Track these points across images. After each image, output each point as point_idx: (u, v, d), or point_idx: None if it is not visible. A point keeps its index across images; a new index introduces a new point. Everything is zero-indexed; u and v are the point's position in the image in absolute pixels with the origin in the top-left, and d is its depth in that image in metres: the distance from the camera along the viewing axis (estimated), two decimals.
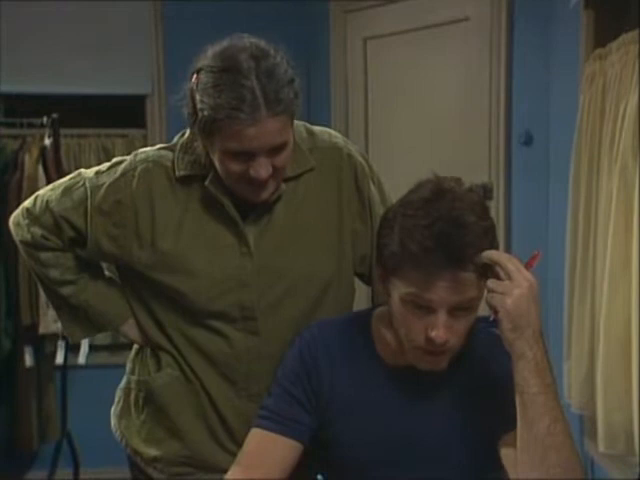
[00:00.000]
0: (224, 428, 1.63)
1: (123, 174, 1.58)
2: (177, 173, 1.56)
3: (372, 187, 1.67)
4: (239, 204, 1.54)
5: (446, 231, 1.26)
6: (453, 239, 1.26)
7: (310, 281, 1.60)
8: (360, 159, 1.67)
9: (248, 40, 1.42)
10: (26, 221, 1.64)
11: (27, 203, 1.66)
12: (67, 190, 1.62)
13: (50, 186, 1.67)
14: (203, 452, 1.64)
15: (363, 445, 1.44)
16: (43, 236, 1.62)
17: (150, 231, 1.56)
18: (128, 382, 1.72)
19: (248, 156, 1.41)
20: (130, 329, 1.68)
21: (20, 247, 1.68)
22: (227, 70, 1.37)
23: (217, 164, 1.47)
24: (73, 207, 1.60)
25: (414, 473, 1.42)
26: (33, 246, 1.64)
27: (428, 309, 1.30)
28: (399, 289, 1.32)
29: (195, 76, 1.42)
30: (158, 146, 1.65)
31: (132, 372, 1.71)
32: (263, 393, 1.55)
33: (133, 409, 1.69)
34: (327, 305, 1.61)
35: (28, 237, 1.64)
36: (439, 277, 1.27)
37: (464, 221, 1.27)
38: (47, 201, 1.62)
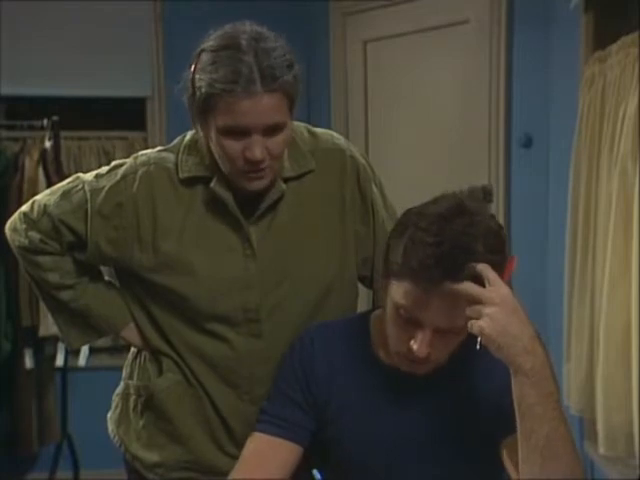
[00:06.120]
0: (226, 432, 1.63)
1: (124, 177, 1.58)
2: (180, 175, 1.55)
3: (374, 189, 1.67)
4: (242, 206, 1.53)
5: (450, 254, 1.22)
6: (455, 263, 1.22)
7: (313, 282, 1.59)
8: (362, 161, 1.67)
9: (250, 25, 1.44)
10: (23, 226, 1.63)
11: (24, 208, 1.65)
12: (66, 194, 1.61)
13: (47, 191, 1.66)
14: (205, 456, 1.64)
15: (361, 446, 1.44)
16: (42, 240, 1.61)
17: (152, 233, 1.55)
18: (126, 387, 1.71)
19: (243, 133, 1.40)
20: (131, 333, 1.67)
21: (17, 252, 1.66)
22: (226, 47, 1.39)
23: (213, 147, 1.46)
24: (72, 210, 1.59)
25: (413, 474, 1.42)
26: (31, 251, 1.63)
27: (416, 324, 1.29)
28: (395, 295, 1.31)
29: (196, 59, 1.43)
30: (158, 148, 1.64)
31: (130, 377, 1.71)
32: (266, 396, 1.54)
33: (132, 414, 1.68)
34: (330, 307, 1.61)
35: (25, 242, 1.62)
36: (433, 296, 1.24)
37: (471, 249, 1.23)
38: (45, 205, 1.61)
